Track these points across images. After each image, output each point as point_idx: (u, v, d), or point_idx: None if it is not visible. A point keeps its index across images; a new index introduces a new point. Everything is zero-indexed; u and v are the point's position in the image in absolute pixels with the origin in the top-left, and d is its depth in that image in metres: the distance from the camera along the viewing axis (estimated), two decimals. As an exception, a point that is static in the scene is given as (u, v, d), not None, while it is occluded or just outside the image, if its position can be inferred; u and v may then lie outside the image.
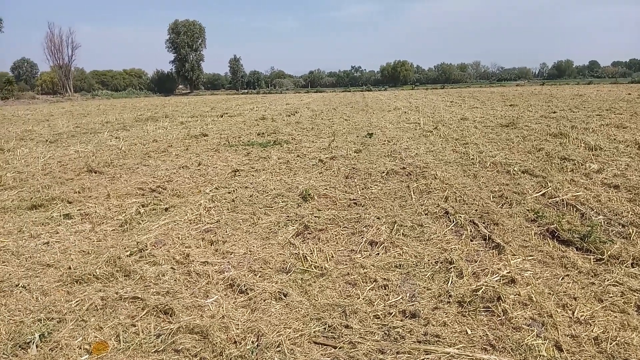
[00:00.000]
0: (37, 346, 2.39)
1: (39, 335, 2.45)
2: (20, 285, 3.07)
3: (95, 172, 6.77)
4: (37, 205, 4.98)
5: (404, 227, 4.05)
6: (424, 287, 2.96)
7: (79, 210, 4.77)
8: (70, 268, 3.30)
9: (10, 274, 3.25)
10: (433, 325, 2.51)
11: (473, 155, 7.27)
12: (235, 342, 2.36)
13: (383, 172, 6.26)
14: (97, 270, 3.20)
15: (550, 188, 5.05)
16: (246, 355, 2.25)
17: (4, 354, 2.34)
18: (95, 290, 2.97)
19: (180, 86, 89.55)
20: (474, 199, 4.86)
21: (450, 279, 3.05)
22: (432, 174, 6.00)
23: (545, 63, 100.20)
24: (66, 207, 4.92)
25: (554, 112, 14.39)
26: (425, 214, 4.43)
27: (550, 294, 2.81)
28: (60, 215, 4.58)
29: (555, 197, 4.74)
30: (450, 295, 2.82)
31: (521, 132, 9.89)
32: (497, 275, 3.05)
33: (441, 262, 3.33)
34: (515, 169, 6.13)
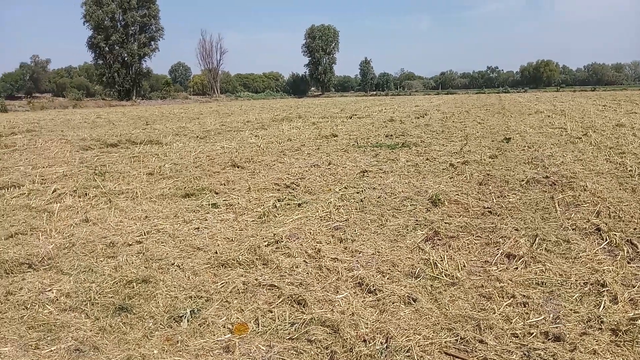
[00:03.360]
0: (188, 321, 2.67)
1: (190, 311, 2.74)
2: (175, 265, 3.46)
3: (238, 167, 7.37)
4: (190, 194, 5.58)
5: (547, 241, 3.72)
6: (570, 310, 2.69)
7: (224, 200, 5.24)
8: (216, 252, 3.64)
9: (167, 254, 3.69)
10: (581, 352, 2.27)
11: (631, 167, 6.41)
12: (364, 340, 2.40)
13: (522, 181, 5.82)
14: (239, 256, 3.49)
15: None
16: (375, 355, 2.26)
17: (161, 324, 2.66)
18: (237, 274, 3.24)
19: (312, 88, 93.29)
20: (632, 216, 4.29)
21: (603, 303, 2.72)
22: (580, 185, 5.42)
23: None
24: (213, 197, 5.44)
25: None
26: (573, 229, 4.02)
27: None
28: (209, 204, 5.08)
29: None
30: (601, 322, 2.53)
31: (696, 141, 8.45)
32: (663, 305, 2.65)
33: (591, 284, 2.99)
34: (688, 184, 5.27)
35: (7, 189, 6.08)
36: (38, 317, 2.74)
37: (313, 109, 28.28)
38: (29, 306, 2.86)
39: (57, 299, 2.94)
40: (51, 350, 2.39)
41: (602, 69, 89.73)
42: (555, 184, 5.60)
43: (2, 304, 2.91)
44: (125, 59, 60.21)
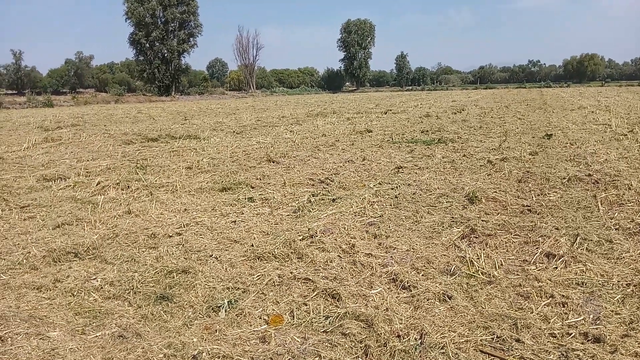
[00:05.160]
0: (225, 311, 2.75)
1: (228, 302, 2.82)
2: (213, 256, 3.56)
3: (273, 162, 7.47)
4: (227, 188, 5.70)
5: (589, 241, 3.61)
6: (612, 311, 2.61)
7: (260, 195, 5.33)
8: (252, 245, 3.72)
9: (205, 246, 3.79)
10: (622, 354, 2.21)
11: (682, 165, 6.11)
12: (399, 335, 2.40)
13: (563, 178, 5.65)
14: (275, 250, 3.55)
15: None
16: (409, 351, 2.27)
17: (200, 313, 2.74)
18: (273, 267, 3.30)
19: (347, 83, 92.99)
20: (682, 217, 4.10)
21: (647, 306, 2.63)
22: (625, 184, 5.21)
23: None
24: (250, 191, 5.54)
25: None
26: (616, 229, 3.88)
27: None
28: (245, 198, 5.18)
29: None
30: (645, 325, 2.44)
31: None
32: None
33: (634, 285, 2.89)
34: None
35: (54, 181, 6.38)
36: (84, 304, 2.88)
37: (347, 104, 28.22)
38: (75, 293, 3.01)
39: (102, 287, 3.08)
40: (96, 336, 2.51)
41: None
42: (598, 182, 5.40)
43: (50, 290, 3.07)
44: (165, 55, 61.71)
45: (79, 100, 42.99)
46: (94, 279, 3.22)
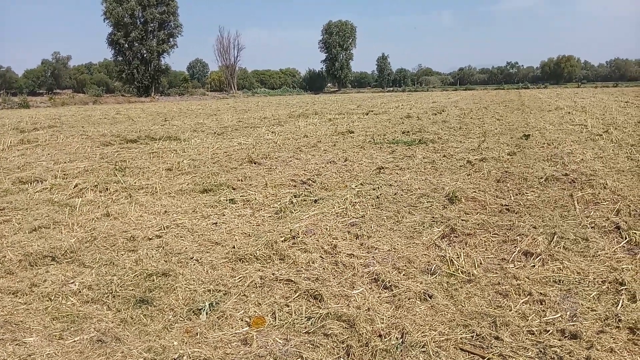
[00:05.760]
0: (206, 313, 2.73)
1: (209, 304, 2.80)
2: (194, 259, 3.53)
3: (255, 163, 7.44)
4: (208, 189, 5.66)
5: (565, 239, 3.68)
6: (588, 308, 2.67)
7: (241, 196, 5.30)
8: (234, 247, 3.70)
9: (186, 248, 3.76)
10: (597, 350, 2.26)
11: (654, 164, 6.29)
12: (380, 335, 2.42)
13: (541, 178, 5.76)
14: (257, 251, 3.54)
15: None
16: (391, 350, 2.29)
17: (180, 316, 2.72)
18: (255, 269, 3.29)
19: (328, 84, 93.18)
20: (654, 215, 4.21)
21: (621, 301, 2.70)
22: (600, 183, 5.34)
23: None
24: (231, 192, 5.51)
25: None
26: (592, 227, 3.97)
27: None
28: (226, 200, 5.14)
29: None
30: (619, 320, 2.50)
31: None
32: (683, 305, 2.62)
33: (609, 282, 2.96)
34: None
35: (31, 183, 6.24)
36: (61, 308, 2.82)
37: (329, 105, 28.27)
38: (52, 298, 2.95)
39: (80, 291, 3.03)
40: (74, 341, 2.47)
41: (625, 64, 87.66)
42: (574, 182, 5.52)
43: (27, 295, 3.00)
44: (144, 55, 60.91)
45: (56, 101, 42.15)
46: (72, 283, 3.16)
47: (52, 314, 2.76)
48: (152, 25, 61.11)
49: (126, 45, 59.89)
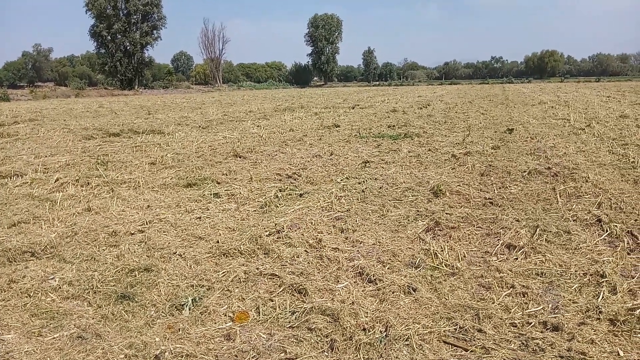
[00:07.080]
0: (189, 309, 2.70)
1: (192, 300, 2.77)
2: (177, 254, 3.48)
3: (240, 157, 7.38)
4: (192, 183, 5.59)
5: (548, 232, 3.73)
6: (569, 300, 2.71)
7: (226, 190, 5.25)
8: (218, 242, 3.67)
9: (169, 243, 3.71)
10: (579, 342, 2.29)
11: (634, 158, 6.39)
12: (364, 329, 2.42)
13: (524, 172, 5.81)
14: (241, 246, 3.51)
15: None
16: (375, 344, 2.29)
17: (162, 312, 2.68)
18: (239, 264, 3.26)
19: (315, 78, 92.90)
20: (633, 207, 4.29)
21: (602, 293, 2.73)
22: (583, 177, 5.41)
23: None
24: (215, 187, 5.46)
25: None
26: (574, 220, 4.02)
27: None
28: (211, 194, 5.09)
29: None
30: (600, 312, 2.54)
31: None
32: (662, 296, 2.66)
33: (591, 275, 3.00)
34: (690, 176, 5.25)
35: (10, 178, 6.10)
36: (41, 304, 2.77)
37: (315, 99, 28.19)
38: (31, 294, 2.89)
39: (60, 287, 2.97)
40: (54, 338, 2.42)
41: (607, 59, 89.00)
42: (557, 175, 5.59)
43: (5, 292, 2.94)
44: (128, 48, 59.97)
45: (37, 94, 41.33)
46: (52, 278, 3.10)
47: (31, 310, 2.71)
48: (135, 17, 60.13)
49: (109, 38, 58.88)
